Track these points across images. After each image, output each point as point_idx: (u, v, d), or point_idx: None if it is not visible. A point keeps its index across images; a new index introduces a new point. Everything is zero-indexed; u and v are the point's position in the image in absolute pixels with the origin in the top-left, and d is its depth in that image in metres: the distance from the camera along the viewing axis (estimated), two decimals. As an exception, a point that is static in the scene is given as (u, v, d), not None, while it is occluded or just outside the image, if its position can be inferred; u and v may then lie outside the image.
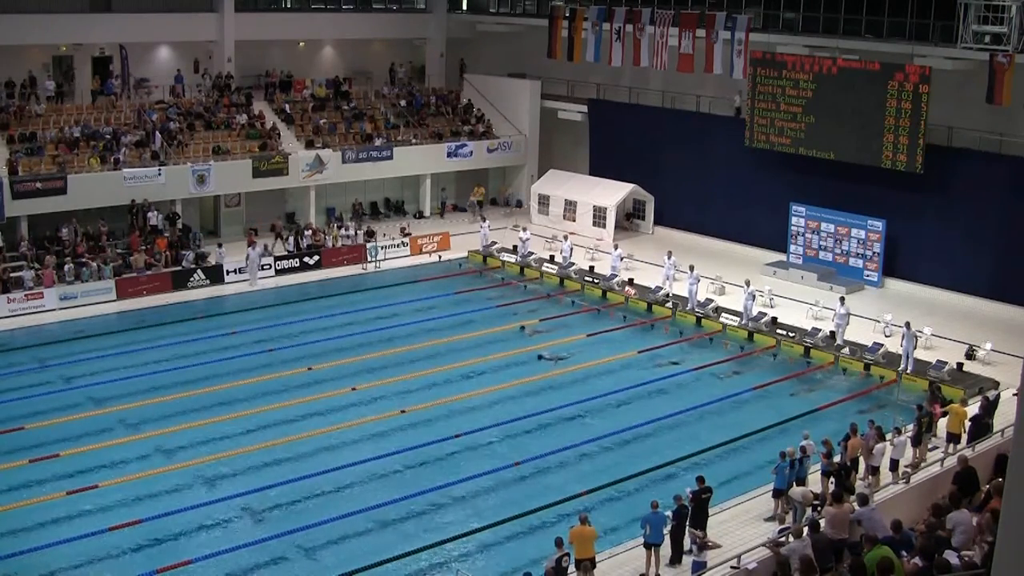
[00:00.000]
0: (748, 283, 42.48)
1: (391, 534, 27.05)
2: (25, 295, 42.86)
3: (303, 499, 28.68)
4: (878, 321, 41.12)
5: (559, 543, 22.64)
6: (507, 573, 24.78)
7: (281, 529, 26.92)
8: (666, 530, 24.26)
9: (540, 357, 38.02)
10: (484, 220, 53.43)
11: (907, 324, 37.48)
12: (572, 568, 22.77)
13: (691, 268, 43.80)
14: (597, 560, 23.39)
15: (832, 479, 26.04)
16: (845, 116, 46.69)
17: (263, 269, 48.10)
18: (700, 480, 25.34)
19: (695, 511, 24.66)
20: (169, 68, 55.35)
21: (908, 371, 37.05)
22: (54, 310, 43.09)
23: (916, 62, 44.74)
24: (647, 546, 24.05)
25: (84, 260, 45.12)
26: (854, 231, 47.51)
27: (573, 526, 23.41)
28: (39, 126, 49.12)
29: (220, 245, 48.76)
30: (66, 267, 44.39)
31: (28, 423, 32.56)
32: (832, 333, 39.90)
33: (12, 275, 43.41)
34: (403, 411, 34.22)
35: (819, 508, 24.89)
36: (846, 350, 38.94)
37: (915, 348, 37.39)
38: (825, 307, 42.64)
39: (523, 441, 32.44)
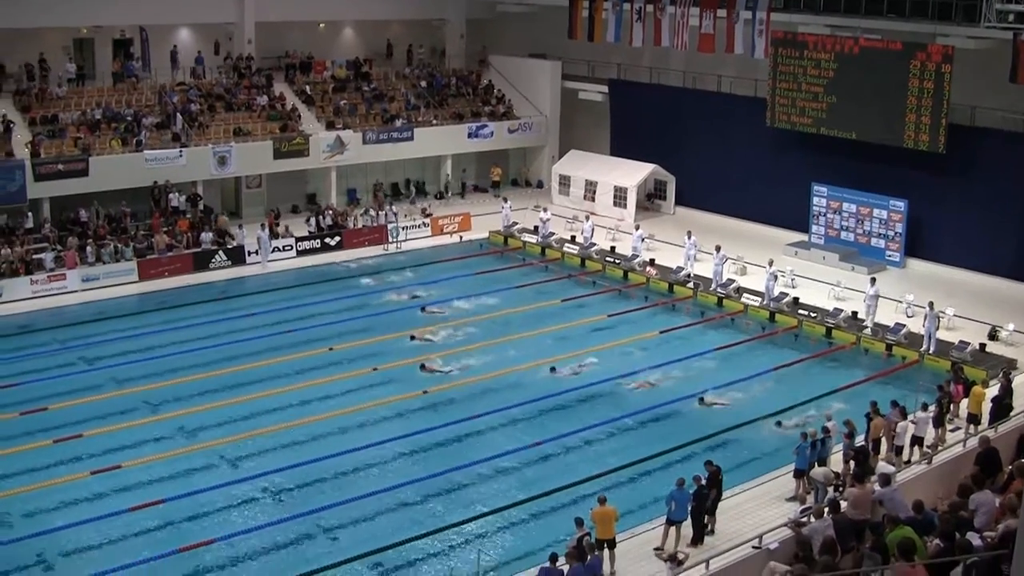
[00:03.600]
0: (771, 263, 42.33)
1: (412, 514, 27.12)
2: (47, 277, 43.03)
3: (324, 479, 28.77)
4: (900, 302, 40.91)
5: (579, 523, 22.66)
6: (528, 553, 24.73)
7: (302, 509, 27.03)
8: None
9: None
10: (506, 201, 53.40)
11: (930, 304, 37.36)
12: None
13: (717, 248, 43.64)
14: (618, 540, 23.41)
15: (853, 460, 26.00)
16: (867, 96, 46.44)
17: (283, 251, 48.21)
18: (708, 464, 25.36)
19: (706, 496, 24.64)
20: (190, 50, 55.34)
21: (930, 352, 36.92)
22: (76, 291, 43.26)
23: (939, 41, 44.42)
24: (670, 523, 24.06)
25: (106, 242, 45.27)
26: (876, 211, 47.29)
27: (594, 507, 23.40)
28: (60, 108, 49.23)
29: (240, 226, 48.86)
30: (88, 249, 44.54)
31: (51, 404, 32.70)
32: (854, 313, 39.78)
33: (34, 257, 43.59)
34: (424, 392, 34.26)
35: (840, 488, 24.87)
36: (868, 330, 38.82)
37: (937, 329, 37.24)
38: (847, 287, 42.48)
39: (543, 421, 32.50)
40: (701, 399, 33.63)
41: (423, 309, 42.23)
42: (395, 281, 45.70)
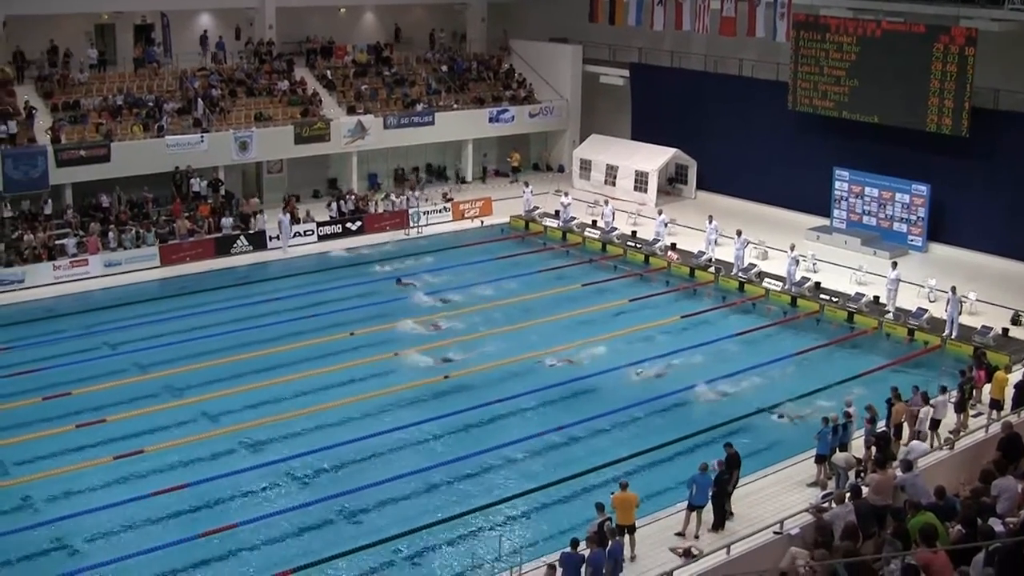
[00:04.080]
0: (792, 247, 42.19)
1: (434, 499, 27.19)
2: (70, 262, 43.23)
3: (347, 463, 28.88)
4: (922, 286, 40.78)
5: (600, 508, 22.65)
6: (550, 537, 24.78)
7: (325, 493, 27.12)
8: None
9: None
10: (527, 185, 53.35)
11: (952, 289, 37.22)
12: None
13: (738, 233, 43.50)
14: (639, 525, 23.41)
15: (874, 446, 25.93)
16: (889, 79, 46.21)
17: (305, 235, 48.30)
18: (727, 446, 25.33)
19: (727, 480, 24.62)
20: (210, 35, 55.36)
21: (952, 337, 36.80)
22: (99, 277, 43.45)
23: (962, 24, 44.14)
24: (691, 507, 24.06)
25: (128, 227, 45.41)
26: (898, 195, 47.08)
27: (615, 492, 23.41)
28: (82, 94, 49.35)
29: (262, 211, 48.97)
30: (110, 234, 44.69)
31: (75, 389, 32.84)
32: (876, 298, 39.66)
33: (57, 242, 43.76)
34: (446, 376, 34.30)
35: (862, 474, 24.82)
36: (890, 315, 38.70)
37: (960, 313, 37.10)
38: (869, 272, 42.34)
39: (565, 405, 32.50)
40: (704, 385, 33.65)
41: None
42: (415, 266, 45.66)
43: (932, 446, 27.23)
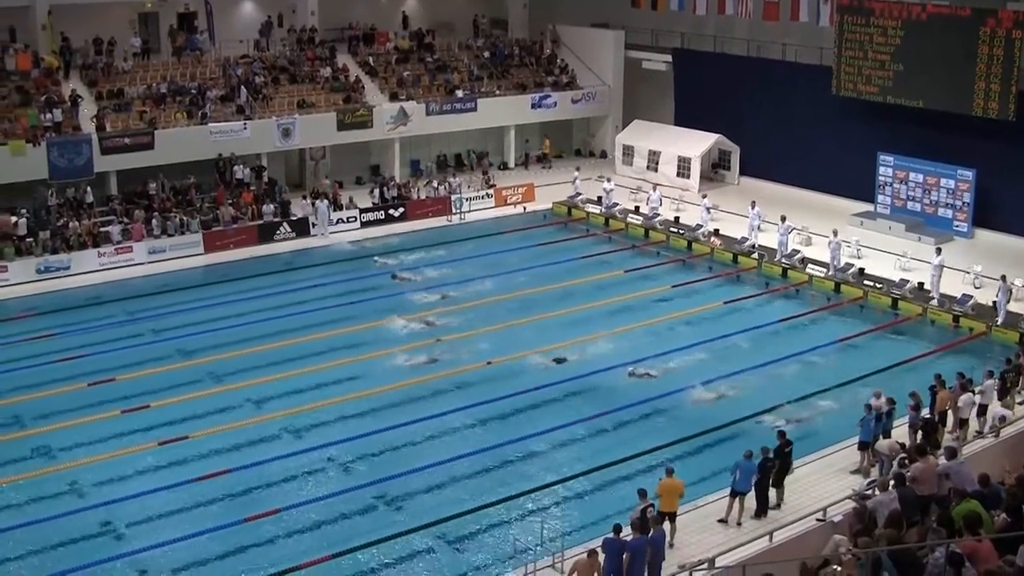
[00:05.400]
0: (835, 233, 41.91)
1: (475, 485, 27.23)
2: (115, 249, 43.57)
3: (389, 450, 28.98)
4: (967, 272, 40.42)
5: (643, 494, 22.60)
6: (591, 523, 24.74)
7: (367, 479, 27.23)
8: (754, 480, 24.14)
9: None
10: (578, 170, 53.31)
11: (1003, 277, 36.89)
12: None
13: (782, 219, 43.26)
14: (681, 512, 23.37)
15: (920, 432, 25.75)
16: (935, 63, 45.76)
17: (347, 222, 48.48)
18: (781, 435, 25.15)
19: (780, 467, 24.50)
20: (253, 22, 55.56)
21: (999, 323, 36.48)
22: (143, 264, 43.79)
23: (1009, 7, 43.65)
24: (734, 494, 23.99)
25: (172, 214, 45.69)
26: (943, 181, 46.66)
27: (661, 478, 23.35)
28: (126, 82, 49.64)
29: (304, 198, 49.16)
30: (154, 221, 44.98)
31: (119, 375, 33.11)
32: (920, 284, 39.36)
33: (102, 230, 44.10)
34: (488, 363, 34.33)
35: (906, 461, 24.63)
36: (935, 301, 38.40)
37: (1008, 301, 36.76)
38: (913, 258, 42.02)
39: (609, 391, 32.41)
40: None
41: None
42: (458, 253, 45.72)
43: (982, 431, 27.11)
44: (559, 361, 34.55)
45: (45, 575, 23.28)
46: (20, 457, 28.49)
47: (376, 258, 44.86)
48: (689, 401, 31.75)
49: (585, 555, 20.70)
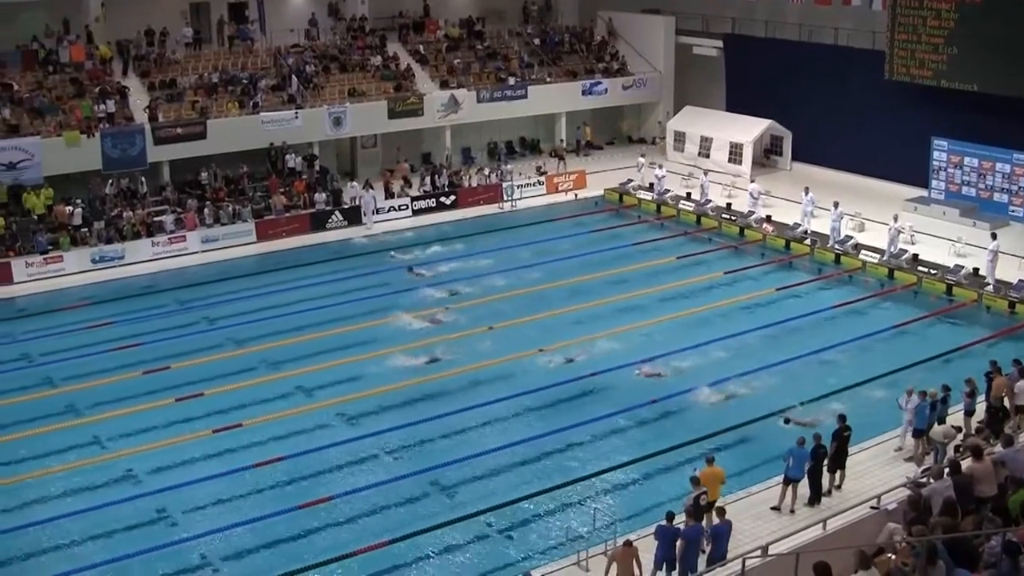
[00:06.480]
0: (895, 218, 41.48)
1: (526, 472, 27.22)
2: (168, 238, 43.92)
3: (440, 437, 29.02)
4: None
5: (696, 482, 22.49)
6: (644, 510, 24.70)
7: (419, 467, 27.26)
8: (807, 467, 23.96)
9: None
10: (643, 156, 53.21)
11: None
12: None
13: (835, 204, 42.88)
14: (733, 500, 23.26)
15: (987, 414, 25.40)
16: (989, 46, 45.14)
17: (399, 210, 48.60)
18: (841, 419, 24.93)
19: (836, 451, 24.32)
20: (304, 12, 55.72)
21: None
22: (196, 253, 44.11)
23: (1066, -13, 43.15)
24: (787, 481, 23.87)
25: (224, 203, 45.95)
26: (999, 165, 46.08)
27: (702, 468, 23.24)
28: (178, 73, 49.95)
29: (355, 186, 49.28)
30: (207, 211, 45.27)
31: (174, 363, 33.36)
32: (975, 270, 38.91)
33: (155, 219, 44.43)
34: (541, 350, 34.25)
35: (960, 448, 24.35)
36: (990, 287, 37.96)
37: (1065, 286, 36.35)
38: (968, 243, 41.55)
39: (660, 380, 32.22)
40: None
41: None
42: (509, 240, 45.71)
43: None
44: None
45: (102, 561, 23.46)
46: (76, 444, 28.74)
47: (426, 246, 44.97)
48: (740, 389, 31.48)
49: (622, 544, 20.64)
